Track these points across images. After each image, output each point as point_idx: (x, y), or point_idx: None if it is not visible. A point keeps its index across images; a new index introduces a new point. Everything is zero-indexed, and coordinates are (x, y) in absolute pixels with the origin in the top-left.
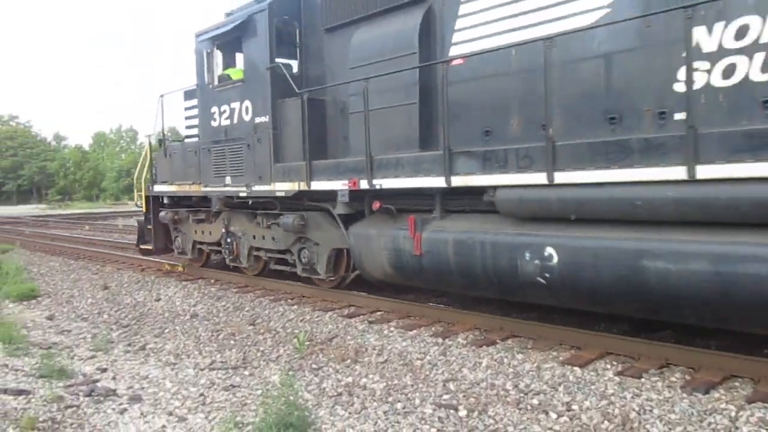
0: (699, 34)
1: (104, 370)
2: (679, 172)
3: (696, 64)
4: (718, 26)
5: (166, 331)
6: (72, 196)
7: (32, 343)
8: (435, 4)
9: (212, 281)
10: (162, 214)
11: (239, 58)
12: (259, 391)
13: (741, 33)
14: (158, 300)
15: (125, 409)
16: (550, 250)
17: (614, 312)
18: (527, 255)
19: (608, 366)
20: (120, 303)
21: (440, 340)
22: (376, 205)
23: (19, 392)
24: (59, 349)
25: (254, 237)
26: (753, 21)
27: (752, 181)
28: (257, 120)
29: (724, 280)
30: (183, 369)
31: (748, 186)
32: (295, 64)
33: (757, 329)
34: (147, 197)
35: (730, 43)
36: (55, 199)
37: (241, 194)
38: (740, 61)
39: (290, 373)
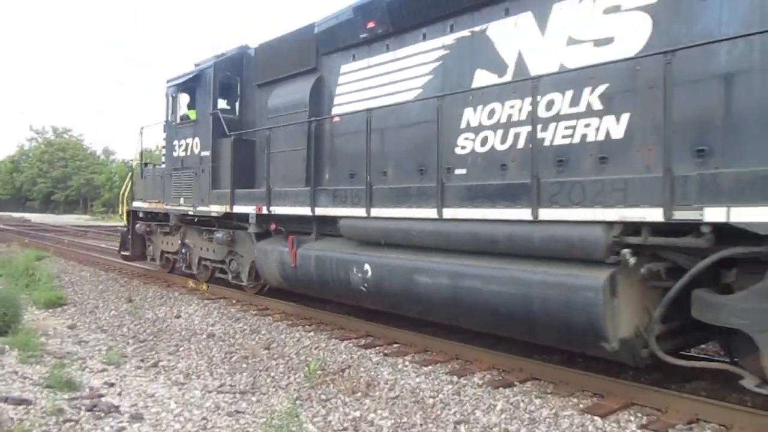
0: (468, 114)
1: (111, 385)
2: (433, 213)
3: (466, 135)
4: (479, 109)
5: (181, 349)
6: (115, 208)
7: (47, 352)
8: (324, 72)
9: (233, 302)
10: (137, 225)
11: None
12: (263, 420)
13: (490, 114)
14: (178, 317)
15: (124, 428)
16: (367, 266)
17: (405, 314)
18: (355, 269)
19: (632, 418)
20: (141, 317)
21: (455, 378)
22: (273, 226)
23: (20, 402)
24: (73, 359)
25: (201, 249)
26: (497, 106)
27: (471, 221)
28: (203, 153)
29: (459, 291)
30: (190, 390)
31: (468, 224)
32: (237, 109)
33: (476, 328)
34: (128, 211)
35: (485, 122)
36: (100, 210)
37: (189, 212)
38: (490, 134)
39: (297, 402)
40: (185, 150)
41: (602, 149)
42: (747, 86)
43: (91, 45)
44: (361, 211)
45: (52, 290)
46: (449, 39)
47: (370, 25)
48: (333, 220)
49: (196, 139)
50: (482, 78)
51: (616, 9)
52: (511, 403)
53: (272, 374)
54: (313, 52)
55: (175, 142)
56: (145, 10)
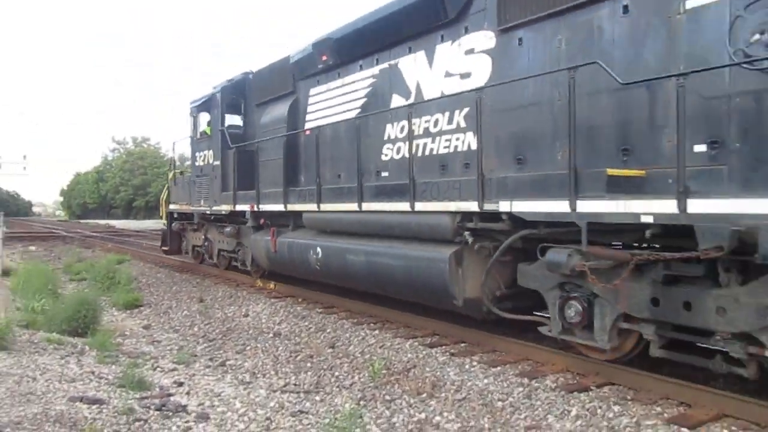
0: (388, 129)
1: (180, 384)
2: (356, 206)
3: (387, 145)
4: (395, 125)
5: (248, 348)
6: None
7: (123, 352)
8: (299, 94)
9: (299, 300)
10: (174, 225)
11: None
12: (326, 420)
13: (401, 130)
14: (246, 316)
15: (190, 428)
16: (318, 249)
17: (343, 285)
18: (311, 252)
19: (724, 431)
20: (211, 316)
21: (526, 381)
22: (261, 221)
23: (95, 401)
24: (145, 359)
25: (219, 242)
26: (405, 124)
27: (378, 212)
28: (215, 163)
29: (371, 265)
30: (256, 389)
31: (378, 215)
32: (242, 125)
33: (392, 295)
34: (167, 213)
35: (399, 135)
36: None
37: (207, 211)
38: (401, 145)
39: (361, 403)
40: (203, 160)
41: (466, 157)
42: (540, 114)
43: (91, 45)
44: (314, 207)
45: (130, 292)
46: (376, 69)
47: (324, 57)
48: (301, 214)
49: (211, 151)
50: (396, 101)
51: (472, 51)
52: (587, 410)
53: (336, 373)
54: (290, 78)
55: (197, 154)
56: (145, 10)
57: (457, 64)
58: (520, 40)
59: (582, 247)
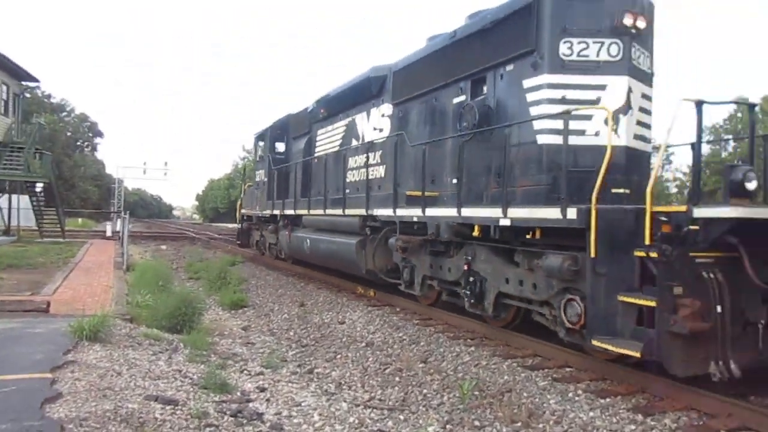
0: (350, 161)
1: (263, 390)
2: (321, 212)
3: (351, 172)
4: (353, 159)
5: (338, 356)
6: None
7: (215, 352)
8: (312, 134)
9: (397, 309)
10: (243, 224)
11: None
12: None
13: (355, 162)
14: (342, 323)
15: None
16: (308, 241)
17: (318, 264)
18: (306, 242)
19: None
20: (308, 321)
21: (640, 418)
22: (286, 222)
23: (169, 402)
24: (236, 360)
25: (268, 237)
26: (358, 158)
27: (330, 216)
28: (265, 179)
29: (331, 251)
30: (338, 401)
31: (330, 218)
32: (285, 152)
33: (333, 267)
34: (241, 216)
35: (354, 165)
36: None
37: (260, 215)
38: (355, 173)
39: (447, 427)
40: (259, 177)
41: (380, 182)
42: (388, 159)
43: (91, 45)
44: (306, 212)
45: (237, 293)
46: (347, 120)
47: (322, 111)
48: (301, 217)
49: (263, 170)
50: (354, 143)
51: (383, 115)
52: None
53: (425, 391)
54: (308, 122)
55: (256, 172)
56: (145, 10)
57: (377, 122)
58: (403, 109)
59: (397, 234)
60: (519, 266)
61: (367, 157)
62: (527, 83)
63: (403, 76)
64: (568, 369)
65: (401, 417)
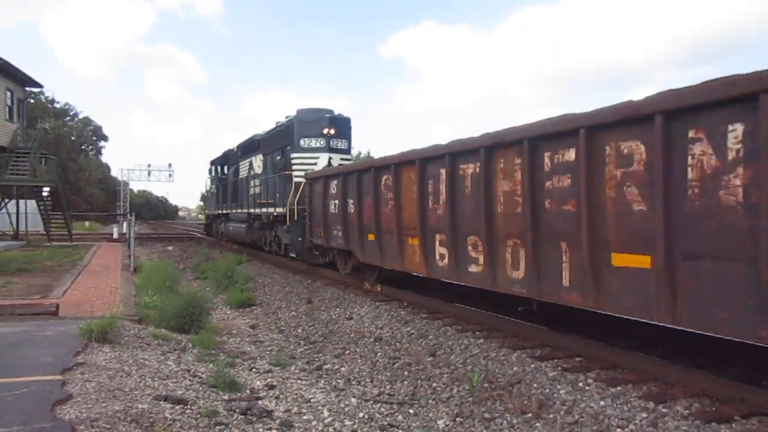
0: (250, 183)
1: (272, 387)
2: (235, 210)
3: (250, 189)
4: (252, 182)
5: (347, 352)
6: None
7: (224, 350)
8: (236, 165)
9: (405, 304)
10: (208, 220)
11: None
12: None
13: (252, 184)
14: (350, 319)
15: None
16: (230, 228)
17: (237, 241)
18: (230, 228)
19: None
20: (316, 318)
21: (651, 405)
22: (223, 217)
23: (178, 401)
24: (244, 359)
25: (221, 228)
26: (253, 182)
27: (238, 213)
28: (213, 191)
29: (238, 232)
30: (348, 397)
31: (238, 214)
32: (227, 173)
33: (239, 244)
34: (206, 214)
35: (250, 185)
36: None
37: (213, 213)
38: (252, 190)
39: (457, 420)
40: (213, 190)
41: (258, 196)
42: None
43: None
44: (231, 211)
45: (244, 292)
46: (248, 160)
47: (239, 152)
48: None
49: (213, 186)
50: (251, 173)
51: (259, 160)
52: None
53: (434, 384)
54: (234, 157)
55: (211, 186)
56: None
57: (258, 164)
58: (265, 159)
59: (259, 221)
60: (285, 230)
61: (254, 183)
62: (291, 155)
63: (264, 141)
64: (578, 359)
65: (411, 411)
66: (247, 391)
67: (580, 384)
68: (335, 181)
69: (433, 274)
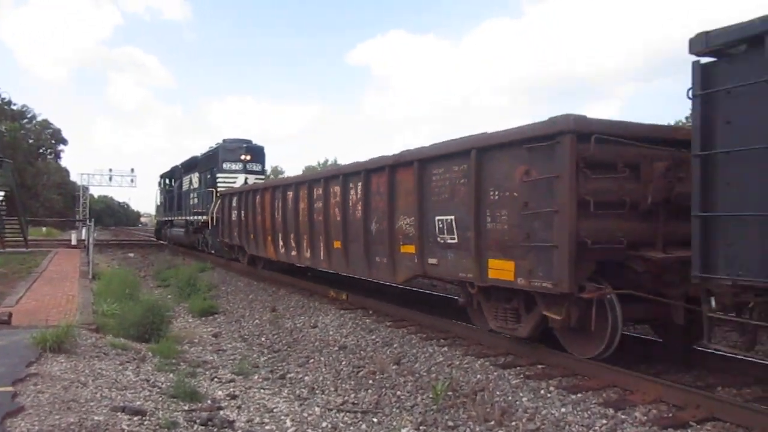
0: (190, 195)
1: (234, 397)
2: (177, 217)
3: (190, 200)
4: (189, 194)
5: (311, 361)
6: None
7: (185, 360)
8: (180, 179)
9: (370, 312)
10: (158, 226)
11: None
12: None
13: (191, 196)
14: (314, 327)
15: None
16: (173, 232)
17: (179, 244)
18: (173, 232)
19: None
20: (280, 326)
21: (611, 412)
22: (169, 223)
23: (136, 412)
24: (206, 368)
25: (168, 233)
26: (194, 194)
27: (179, 219)
28: (163, 201)
29: (179, 236)
30: (311, 406)
31: (179, 220)
32: (173, 186)
33: (184, 244)
34: (156, 221)
35: (190, 197)
36: None
37: (162, 220)
38: (191, 201)
39: (420, 428)
40: (161, 200)
41: (194, 206)
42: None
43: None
44: (175, 218)
45: (207, 300)
46: (189, 176)
47: (182, 169)
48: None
49: (162, 196)
50: (190, 187)
51: (196, 177)
52: None
53: (398, 393)
54: (179, 173)
55: (160, 196)
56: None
57: (196, 180)
58: (198, 176)
59: (194, 226)
60: (209, 233)
61: (192, 195)
62: (217, 174)
63: (200, 162)
64: (540, 366)
65: (375, 420)
66: (209, 401)
67: (542, 391)
68: (235, 197)
69: (278, 258)
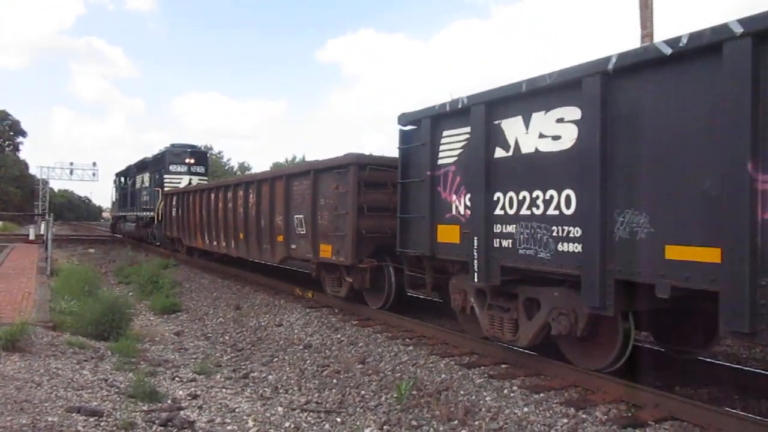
0: (142, 192)
1: (195, 397)
2: (130, 213)
3: (141, 197)
4: (142, 191)
5: (275, 360)
6: None
7: (145, 359)
8: (134, 178)
9: (336, 311)
10: (113, 221)
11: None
12: None
13: (142, 194)
14: (279, 325)
15: None
16: (126, 226)
17: (132, 237)
18: (126, 227)
19: None
20: (245, 325)
21: (572, 411)
22: (122, 218)
23: (93, 413)
24: (167, 367)
25: (124, 227)
26: (143, 193)
27: (131, 214)
28: (118, 198)
29: (131, 230)
30: (274, 406)
31: (132, 215)
32: (128, 183)
33: (136, 238)
34: (112, 216)
35: (141, 195)
36: None
37: (116, 215)
38: (142, 198)
39: (384, 428)
40: (116, 196)
41: (145, 203)
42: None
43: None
44: (127, 213)
45: (169, 297)
46: (141, 175)
47: (135, 169)
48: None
49: (117, 194)
50: (142, 185)
51: (147, 176)
52: None
53: (363, 392)
54: (133, 172)
55: (115, 194)
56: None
57: (146, 179)
58: (150, 176)
59: (142, 221)
60: (155, 227)
61: (143, 193)
62: (164, 175)
63: (150, 163)
64: (503, 366)
65: (338, 420)
66: (169, 401)
67: (506, 391)
68: (176, 197)
69: (205, 247)
